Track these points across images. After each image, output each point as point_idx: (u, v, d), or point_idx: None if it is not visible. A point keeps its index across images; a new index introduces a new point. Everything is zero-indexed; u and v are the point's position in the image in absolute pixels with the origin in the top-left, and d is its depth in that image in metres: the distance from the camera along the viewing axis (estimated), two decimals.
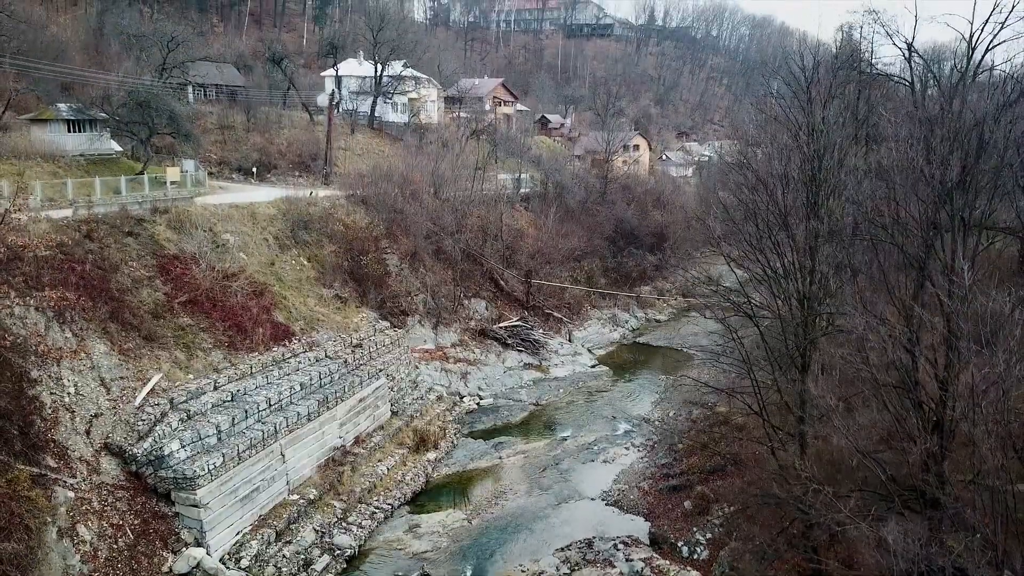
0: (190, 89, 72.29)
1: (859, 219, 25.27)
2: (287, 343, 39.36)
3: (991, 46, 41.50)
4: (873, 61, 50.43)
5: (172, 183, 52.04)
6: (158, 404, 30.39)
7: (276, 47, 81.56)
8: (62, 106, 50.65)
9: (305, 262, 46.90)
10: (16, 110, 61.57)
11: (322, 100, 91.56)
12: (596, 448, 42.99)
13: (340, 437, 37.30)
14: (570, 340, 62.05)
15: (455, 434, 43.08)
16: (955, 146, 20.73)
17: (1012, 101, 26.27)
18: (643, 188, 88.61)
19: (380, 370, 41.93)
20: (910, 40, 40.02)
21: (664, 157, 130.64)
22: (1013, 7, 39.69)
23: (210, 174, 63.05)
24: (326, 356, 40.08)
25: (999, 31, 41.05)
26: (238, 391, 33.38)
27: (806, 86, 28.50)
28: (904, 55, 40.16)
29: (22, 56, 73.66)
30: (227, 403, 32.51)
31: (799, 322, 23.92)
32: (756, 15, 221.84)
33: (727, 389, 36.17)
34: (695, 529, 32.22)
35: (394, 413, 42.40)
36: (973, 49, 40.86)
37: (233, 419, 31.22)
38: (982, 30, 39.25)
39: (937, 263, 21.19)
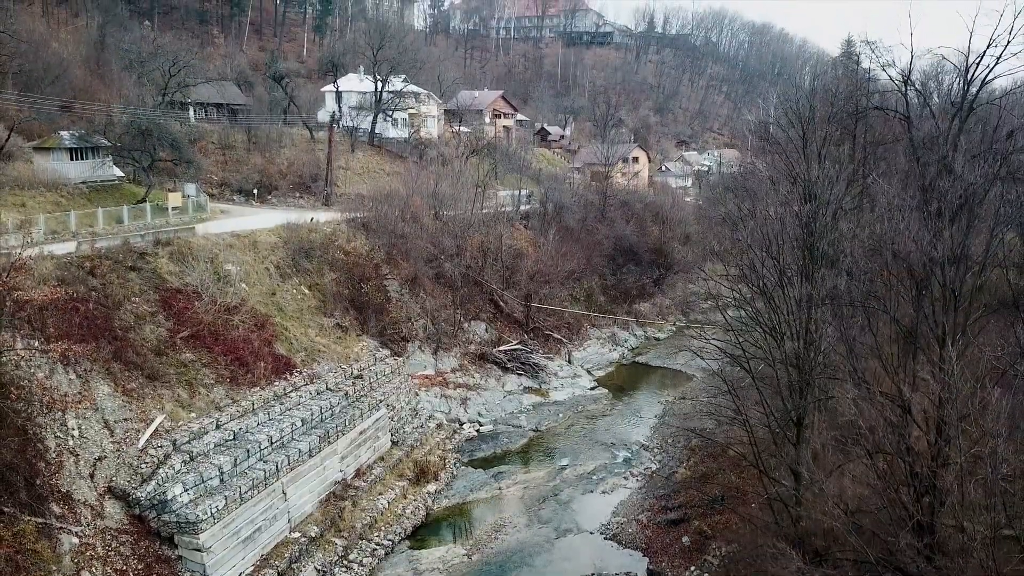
0: (191, 109, 72.78)
1: (853, 288, 25.57)
2: (288, 376, 39.69)
3: (986, 80, 41.93)
4: (873, 90, 50.69)
5: (174, 208, 52.60)
6: (161, 446, 30.71)
7: (278, 67, 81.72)
8: (64, 134, 51.02)
9: (306, 291, 47.24)
10: (22, 134, 62.09)
11: (322, 116, 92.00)
12: (595, 478, 43.30)
13: (341, 471, 37.64)
14: (569, 361, 62.39)
15: (455, 464, 43.41)
16: (945, 221, 21.04)
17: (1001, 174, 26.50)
18: (642, 203, 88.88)
19: (380, 400, 42.26)
20: (906, 73, 40.30)
21: (663, 168, 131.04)
22: (1007, 43, 40.03)
23: (211, 196, 63.64)
24: (327, 388, 40.39)
25: (995, 65, 41.48)
26: (240, 429, 33.70)
27: (802, 144, 28.66)
28: (900, 89, 40.45)
29: (24, 75, 74.45)
30: (229, 442, 32.83)
31: (794, 386, 24.19)
32: (755, 22, 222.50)
33: (723, 441, 36.64)
34: (693, 568, 32.52)
35: (394, 443, 42.73)
36: (969, 83, 41.26)
37: (235, 460, 31.55)
38: (978, 64, 39.56)
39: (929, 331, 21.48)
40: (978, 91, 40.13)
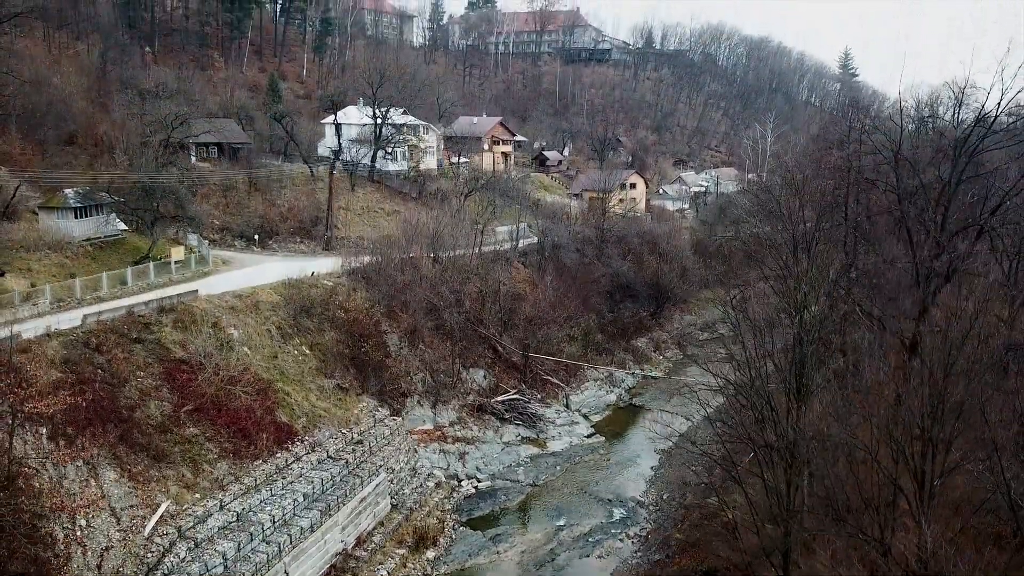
0: (192, 149, 73.48)
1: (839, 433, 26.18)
2: (290, 446, 40.41)
3: (975, 150, 42.64)
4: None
5: (177, 263, 53.40)
6: (167, 533, 31.42)
7: (278, 107, 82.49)
8: (69, 192, 51.79)
9: (307, 351, 47.98)
10: (28, 180, 62.80)
11: (322, 149, 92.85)
12: (592, 539, 44.03)
13: (342, 541, 38.37)
14: (567, 406, 63.14)
15: (453, 526, 44.14)
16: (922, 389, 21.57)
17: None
18: (639, 237, 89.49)
19: (380, 466, 43.00)
20: (898, 145, 41.03)
21: (661, 191, 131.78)
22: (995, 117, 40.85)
23: (213, 241, 64.51)
24: (328, 456, 41.14)
25: (985, 135, 42.25)
26: (243, 509, 34.43)
27: (795, 289, 28.55)
28: (890, 163, 41.20)
29: (27, 114, 75.19)
30: (233, 524, 33.55)
31: (784, 515, 24.91)
32: (753, 36, 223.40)
33: (715, 505, 37.33)
34: None
35: (394, 506, 43.45)
36: (957, 157, 41.99)
37: (239, 544, 32.28)
38: (968, 136, 40.30)
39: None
40: (966, 164, 40.80)
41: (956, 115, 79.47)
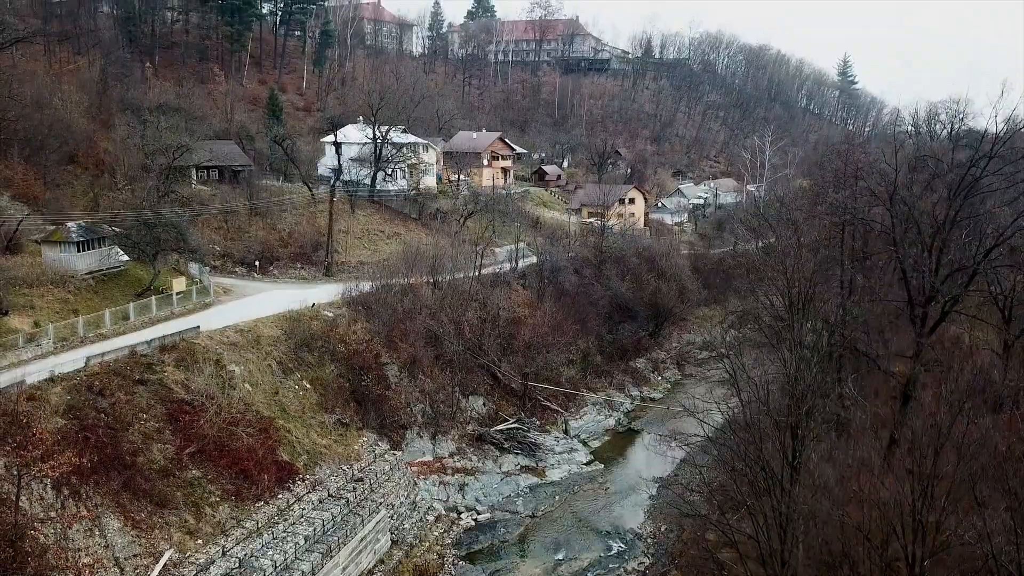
0: (193, 173, 73.89)
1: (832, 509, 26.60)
2: (291, 485, 40.83)
3: (971, 191, 43.07)
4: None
5: (178, 294, 53.80)
6: None
7: (277, 131, 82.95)
8: (72, 226, 52.09)
9: (308, 385, 48.39)
10: (31, 206, 63.18)
11: (322, 168, 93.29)
12: (590, 574, 44.44)
13: None
14: (566, 432, 63.57)
15: (453, 561, 44.53)
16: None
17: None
18: (638, 255, 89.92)
19: (380, 503, 43.40)
20: (891, 191, 41.49)
21: (659, 205, 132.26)
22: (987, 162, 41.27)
23: (214, 268, 64.87)
24: (328, 495, 41.56)
25: (979, 178, 42.67)
26: (245, 555, 34.83)
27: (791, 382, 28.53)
28: (886, 205, 41.63)
29: (29, 137, 75.63)
30: (235, 571, 33.95)
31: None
32: (752, 44, 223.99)
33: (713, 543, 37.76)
34: None
35: (394, 542, 43.89)
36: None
37: None
38: (958, 187, 40.74)
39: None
40: (959, 207, 41.22)
41: (952, 133, 79.59)
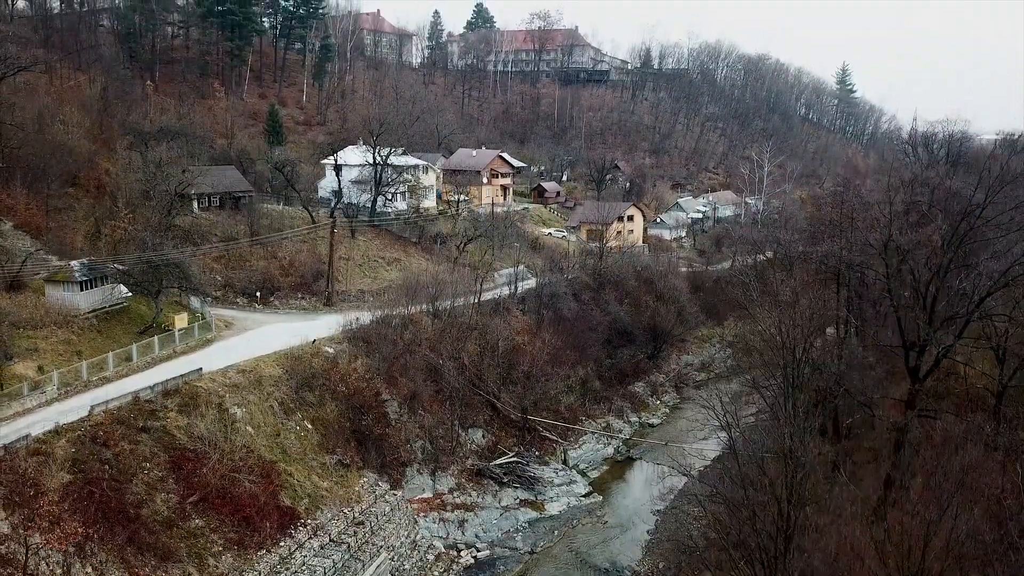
0: (194, 201, 74.31)
1: None
2: (293, 531, 41.31)
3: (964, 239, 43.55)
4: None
5: (180, 330, 54.25)
6: None
7: (277, 156, 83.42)
8: (75, 264, 52.53)
9: (309, 426, 48.86)
10: (37, 236, 63.67)
11: (323, 190, 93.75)
12: None
13: None
14: (565, 462, 64.01)
15: None
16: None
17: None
18: (636, 278, 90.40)
19: (381, 546, 43.89)
20: (886, 240, 41.98)
21: (658, 220, 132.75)
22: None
23: (215, 298, 65.29)
24: (330, 540, 42.04)
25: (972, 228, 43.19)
26: None
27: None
28: (880, 254, 42.13)
29: (32, 163, 76.14)
30: None
31: None
32: (751, 54, 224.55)
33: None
34: None
35: None
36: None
37: None
38: (952, 236, 41.24)
39: None
40: (952, 257, 41.72)
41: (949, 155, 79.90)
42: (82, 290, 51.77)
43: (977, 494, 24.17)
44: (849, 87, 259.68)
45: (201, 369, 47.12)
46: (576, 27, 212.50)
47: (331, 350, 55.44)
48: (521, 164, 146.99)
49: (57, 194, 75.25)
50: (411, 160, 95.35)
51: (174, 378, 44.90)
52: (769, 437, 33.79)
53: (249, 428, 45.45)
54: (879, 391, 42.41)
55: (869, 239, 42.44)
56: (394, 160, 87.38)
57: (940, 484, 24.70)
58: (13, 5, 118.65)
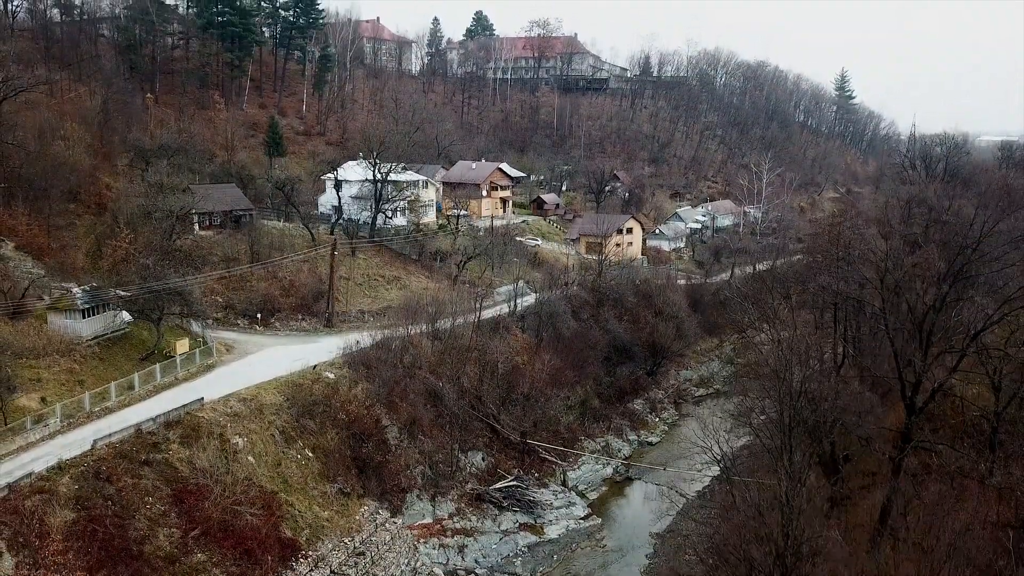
0: (195, 220, 74.64)
1: None
2: (294, 564, 41.70)
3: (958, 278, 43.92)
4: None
5: (182, 355, 54.61)
6: None
7: (279, 174, 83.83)
8: (77, 291, 52.87)
9: (310, 454, 49.20)
10: (39, 258, 63.98)
11: (323, 205, 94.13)
12: None
13: None
14: (564, 483, 64.31)
15: None
16: None
17: None
18: (635, 293, 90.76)
19: None
20: (882, 273, 42.35)
21: (657, 231, 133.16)
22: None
23: (216, 320, 65.61)
24: (331, 572, 42.39)
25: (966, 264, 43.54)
26: None
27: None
28: (876, 288, 42.49)
29: (32, 178, 76.50)
30: None
31: None
32: (750, 61, 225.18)
33: None
34: None
35: None
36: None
37: None
38: (947, 272, 41.60)
39: None
40: (948, 291, 42.07)
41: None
42: (84, 317, 52.12)
43: (968, 559, 24.53)
44: (848, 93, 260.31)
45: (203, 398, 47.47)
46: (576, 34, 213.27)
47: (331, 375, 55.80)
48: (520, 174, 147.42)
49: (58, 211, 75.63)
50: (411, 176, 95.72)
51: (176, 409, 45.25)
52: (765, 473, 34.07)
53: (250, 458, 45.80)
54: (875, 422, 42.75)
55: (865, 273, 42.83)
56: (394, 176, 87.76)
57: (932, 547, 25.07)
58: (14, 18, 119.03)
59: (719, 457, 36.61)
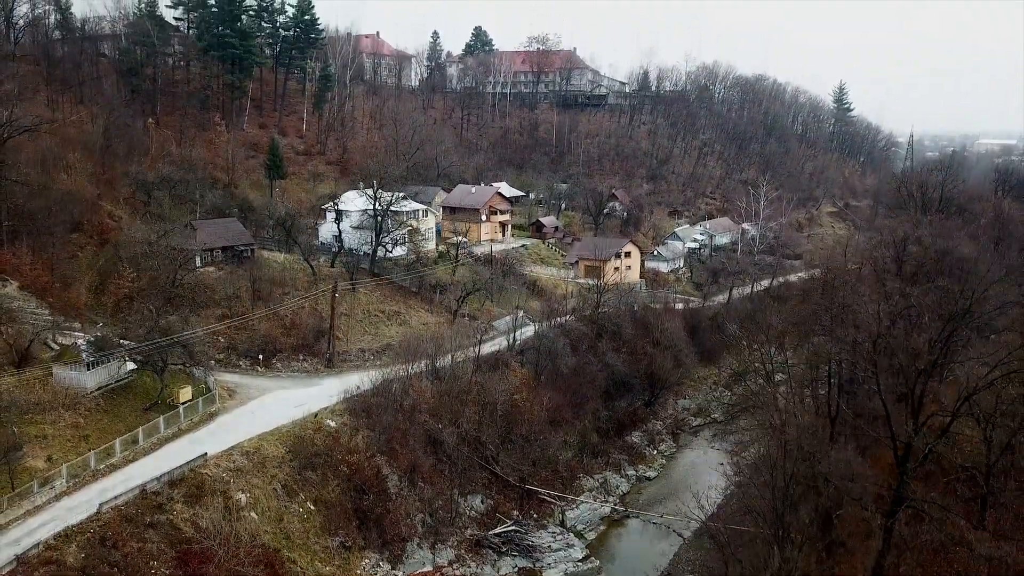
0: (197, 257, 75.31)
1: None
2: None
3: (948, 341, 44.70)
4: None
5: (184, 403, 55.30)
6: None
7: (280, 209, 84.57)
8: (82, 343, 53.52)
9: (311, 507, 49.88)
10: (43, 298, 64.49)
11: (323, 234, 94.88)
12: None
13: None
14: (562, 523, 64.96)
15: None
16: None
17: None
18: (632, 324, 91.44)
19: None
20: (876, 339, 43.10)
21: (655, 252, 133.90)
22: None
23: (217, 361, 66.28)
24: None
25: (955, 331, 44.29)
26: None
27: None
28: (871, 355, 43.22)
29: (35, 214, 77.20)
30: None
31: None
32: (748, 75, 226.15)
33: None
34: None
35: None
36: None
37: None
38: (938, 336, 42.35)
39: None
40: (939, 354, 42.79)
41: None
42: (89, 369, 52.76)
43: None
44: (846, 106, 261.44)
45: (206, 454, 48.15)
46: (575, 49, 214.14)
47: (332, 423, 56.51)
48: (519, 192, 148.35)
49: (61, 241, 76.25)
50: (412, 205, 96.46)
51: (179, 467, 45.92)
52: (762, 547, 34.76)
53: (253, 514, 46.48)
54: (867, 487, 43.51)
55: (858, 338, 43.62)
56: (395, 208, 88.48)
57: None
58: (16, 43, 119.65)
59: (712, 534, 37.29)
